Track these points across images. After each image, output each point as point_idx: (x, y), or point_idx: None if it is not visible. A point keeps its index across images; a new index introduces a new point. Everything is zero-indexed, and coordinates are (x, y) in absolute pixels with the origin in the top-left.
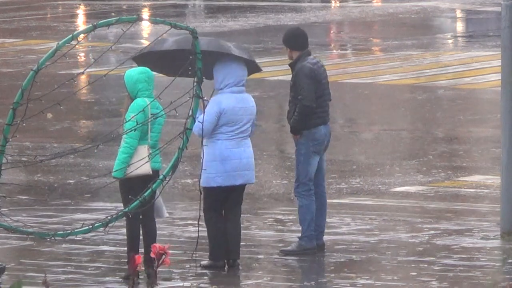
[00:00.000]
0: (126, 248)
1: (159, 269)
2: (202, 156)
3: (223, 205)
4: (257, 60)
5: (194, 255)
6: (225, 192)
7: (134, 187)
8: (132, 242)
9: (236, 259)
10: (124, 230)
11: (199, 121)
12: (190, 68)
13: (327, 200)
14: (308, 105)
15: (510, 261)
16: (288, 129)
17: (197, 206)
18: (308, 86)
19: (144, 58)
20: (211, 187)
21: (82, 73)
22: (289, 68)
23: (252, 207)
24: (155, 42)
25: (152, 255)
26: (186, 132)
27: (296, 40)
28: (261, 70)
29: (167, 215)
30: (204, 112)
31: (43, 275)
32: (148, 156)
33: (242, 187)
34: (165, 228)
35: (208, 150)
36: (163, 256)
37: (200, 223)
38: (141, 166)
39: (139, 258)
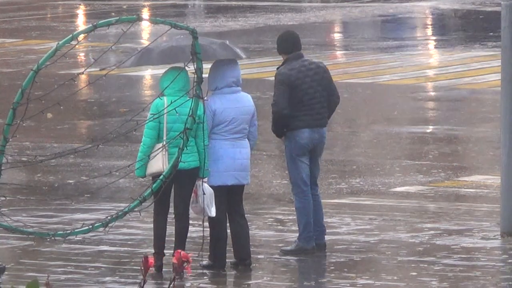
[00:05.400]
0: (128, 248)
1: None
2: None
3: (226, 206)
4: (257, 60)
5: (199, 254)
6: (223, 191)
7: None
8: (157, 241)
9: (246, 259)
10: (124, 230)
11: (199, 122)
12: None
13: (327, 200)
14: (277, 111)
15: (510, 261)
16: None
17: None
18: (280, 92)
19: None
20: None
21: (82, 73)
22: None
23: (252, 207)
24: (141, 51)
25: (174, 260)
26: (186, 132)
27: (279, 44)
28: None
29: (214, 213)
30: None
31: (43, 275)
32: (163, 153)
33: (238, 187)
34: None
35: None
36: (185, 264)
37: (204, 223)
38: (153, 164)
39: (151, 261)
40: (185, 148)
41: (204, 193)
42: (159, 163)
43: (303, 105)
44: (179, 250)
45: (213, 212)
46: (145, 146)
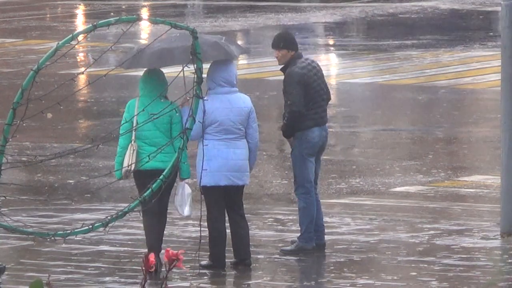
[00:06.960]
0: (128, 248)
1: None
2: (202, 156)
3: (224, 206)
4: (257, 60)
5: (196, 255)
6: (219, 192)
7: (142, 184)
8: (149, 239)
9: (246, 259)
10: (124, 230)
11: (199, 121)
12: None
13: (328, 200)
14: (297, 111)
15: (510, 261)
16: None
17: (198, 206)
18: (297, 92)
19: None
20: (203, 187)
21: (82, 73)
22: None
23: (252, 207)
24: (136, 53)
25: (165, 258)
26: (186, 132)
27: (293, 40)
28: (237, 56)
29: (187, 213)
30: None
31: (43, 275)
32: (131, 152)
33: (234, 188)
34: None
35: (199, 150)
36: (175, 262)
37: (201, 223)
38: (124, 164)
39: (152, 258)
40: (185, 148)
41: (176, 194)
42: (125, 163)
43: (313, 103)
44: (168, 249)
45: (186, 212)
46: (119, 147)
